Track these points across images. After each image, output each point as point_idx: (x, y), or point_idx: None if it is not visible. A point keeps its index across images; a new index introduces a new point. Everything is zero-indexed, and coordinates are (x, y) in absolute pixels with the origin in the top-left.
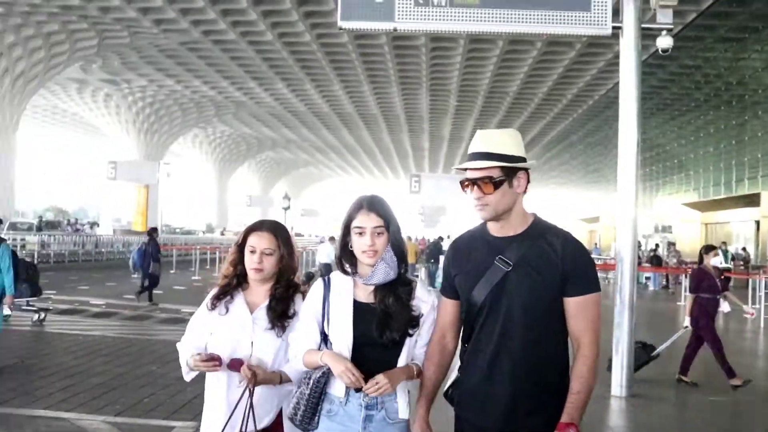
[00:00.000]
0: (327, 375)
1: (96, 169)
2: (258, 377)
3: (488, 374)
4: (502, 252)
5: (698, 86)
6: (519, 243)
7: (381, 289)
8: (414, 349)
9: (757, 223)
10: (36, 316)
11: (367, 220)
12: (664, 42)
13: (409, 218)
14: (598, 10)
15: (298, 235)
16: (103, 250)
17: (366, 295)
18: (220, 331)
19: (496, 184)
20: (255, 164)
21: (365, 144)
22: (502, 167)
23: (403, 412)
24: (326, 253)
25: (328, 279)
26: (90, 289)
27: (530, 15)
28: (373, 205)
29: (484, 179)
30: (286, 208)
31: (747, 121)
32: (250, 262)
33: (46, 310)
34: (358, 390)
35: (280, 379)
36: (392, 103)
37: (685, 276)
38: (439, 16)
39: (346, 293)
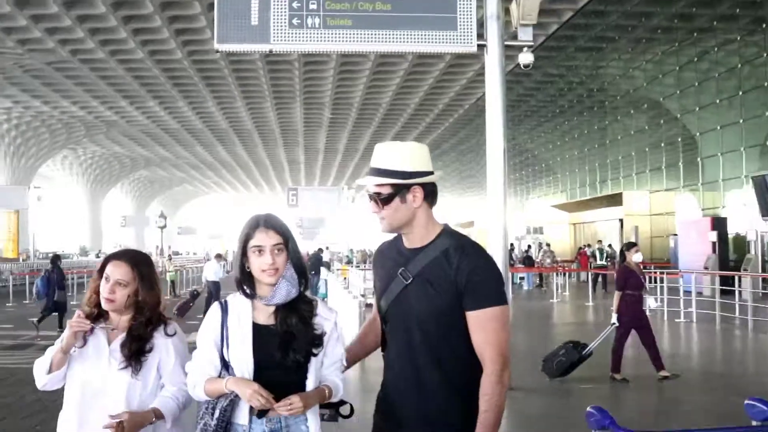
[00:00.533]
0: (233, 402)
1: None
2: (126, 428)
3: (395, 385)
4: (406, 264)
5: (562, 93)
6: (422, 255)
7: (282, 309)
8: (321, 370)
9: (621, 221)
10: None
11: (266, 238)
12: (526, 58)
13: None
14: (463, 29)
15: (175, 253)
16: None
17: (266, 317)
18: (74, 362)
19: (385, 200)
20: (128, 184)
21: (240, 159)
22: (392, 184)
23: None
24: (213, 271)
25: (225, 302)
26: None
27: (400, 35)
28: (270, 222)
29: (377, 195)
30: (162, 227)
31: (608, 126)
32: (102, 290)
33: None
34: (261, 415)
35: (153, 416)
36: (267, 117)
37: (556, 274)
38: (313, 37)
39: (244, 316)
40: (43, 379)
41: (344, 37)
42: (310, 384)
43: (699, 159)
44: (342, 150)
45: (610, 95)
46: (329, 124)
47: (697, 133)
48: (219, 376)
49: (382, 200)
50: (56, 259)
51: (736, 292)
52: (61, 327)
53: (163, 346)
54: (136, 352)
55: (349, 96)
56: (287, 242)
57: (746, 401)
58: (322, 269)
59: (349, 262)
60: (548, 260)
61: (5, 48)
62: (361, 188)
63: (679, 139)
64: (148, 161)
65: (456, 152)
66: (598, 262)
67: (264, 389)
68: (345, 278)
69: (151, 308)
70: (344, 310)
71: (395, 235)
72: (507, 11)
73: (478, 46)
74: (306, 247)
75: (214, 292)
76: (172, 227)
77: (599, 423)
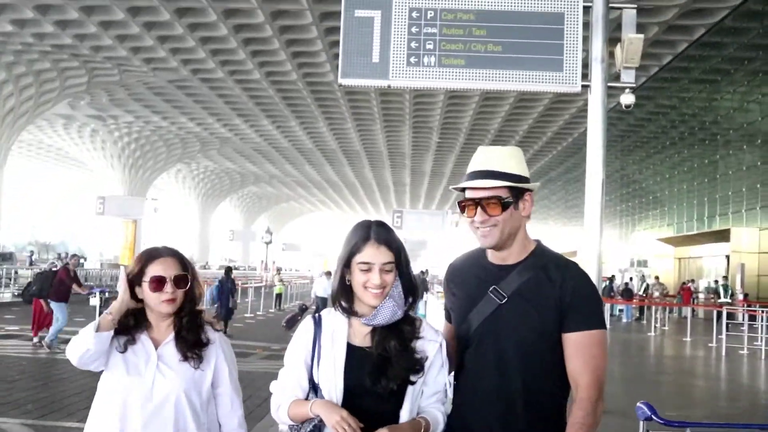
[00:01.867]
0: (318, 428)
1: (79, 203)
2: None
3: (482, 415)
4: (497, 282)
5: (674, 125)
6: (517, 273)
7: (381, 330)
8: (420, 401)
9: (727, 257)
10: None
11: (377, 255)
12: (627, 99)
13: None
14: (569, 70)
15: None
16: (91, 283)
17: (362, 338)
18: (113, 369)
19: (505, 205)
20: (237, 199)
21: (347, 179)
22: (509, 187)
23: None
24: (323, 287)
25: (319, 317)
26: (87, 320)
27: (509, 74)
28: (382, 235)
29: (492, 199)
30: (268, 243)
31: (719, 160)
32: (158, 296)
33: None
34: None
35: None
36: (375, 139)
37: (664, 309)
38: (429, 74)
39: (339, 335)
40: (87, 342)
41: (457, 75)
42: (405, 415)
43: None
44: (448, 174)
45: (723, 128)
46: (436, 148)
47: None
48: (306, 399)
49: (502, 204)
50: (229, 270)
51: None
52: (226, 331)
53: (220, 339)
54: (193, 343)
55: (458, 122)
56: (399, 259)
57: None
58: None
59: None
60: (657, 293)
61: (132, 66)
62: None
63: None
64: (258, 177)
65: (562, 181)
66: (722, 299)
67: (352, 417)
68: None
69: (194, 303)
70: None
71: (472, 250)
72: (611, 54)
73: (582, 86)
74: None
75: (322, 307)
76: (277, 242)
77: (644, 414)
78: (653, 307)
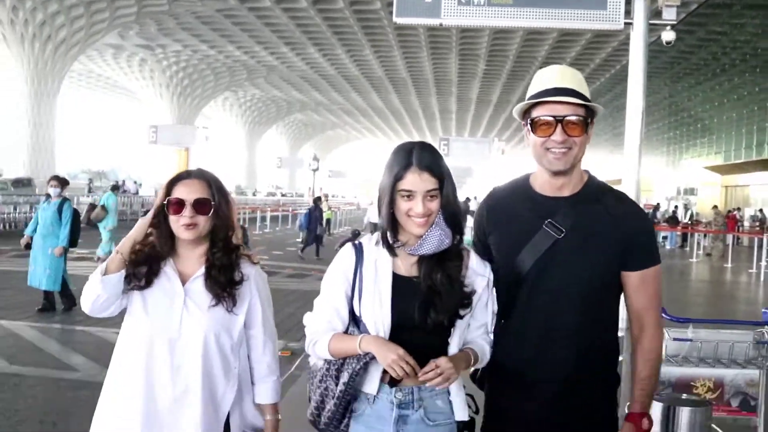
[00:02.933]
0: (366, 366)
1: (130, 131)
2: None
3: (534, 358)
4: (552, 215)
5: (725, 52)
6: (572, 205)
7: (428, 261)
8: (467, 333)
9: None
10: None
11: (419, 182)
12: (668, 36)
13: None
14: (612, 8)
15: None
16: (149, 210)
17: (408, 267)
18: (136, 312)
19: (585, 127)
20: (283, 126)
21: (393, 107)
22: (586, 107)
23: (461, 413)
24: (375, 213)
25: (360, 245)
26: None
27: (556, 13)
28: (425, 161)
29: (575, 119)
30: (315, 170)
31: (764, 89)
32: (176, 219)
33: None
34: (394, 384)
35: None
36: (422, 67)
37: (704, 236)
38: (478, 13)
39: (383, 264)
40: (96, 288)
41: (506, 14)
42: (453, 349)
43: None
44: (494, 102)
45: None
46: (483, 75)
47: None
48: (346, 333)
49: (579, 126)
50: (318, 200)
51: None
52: (318, 255)
53: (255, 275)
54: (226, 283)
55: (505, 50)
56: (443, 185)
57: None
58: (468, 218)
59: None
60: (720, 221)
61: None
62: (515, 130)
63: None
64: (304, 105)
65: (609, 108)
66: None
67: (409, 356)
68: None
69: (228, 235)
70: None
71: (514, 179)
72: None
73: (625, 23)
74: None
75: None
76: (323, 170)
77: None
78: (696, 234)
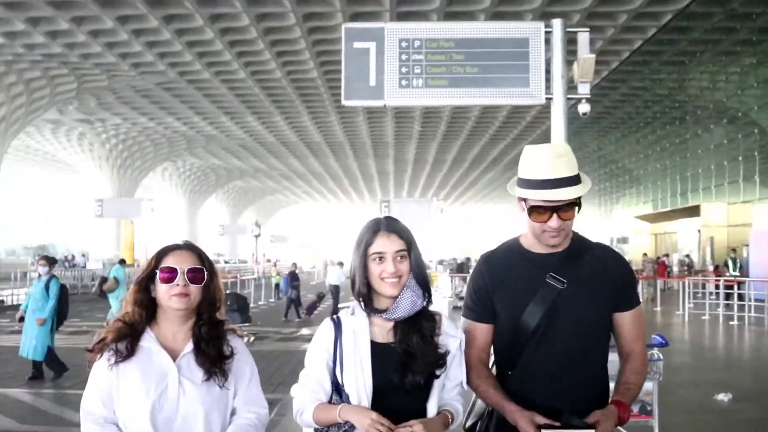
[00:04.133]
0: None
1: (70, 205)
2: None
3: (550, 402)
4: (550, 269)
5: (647, 106)
6: (567, 259)
7: (402, 326)
8: (443, 393)
9: (699, 232)
10: (246, 339)
11: (388, 244)
12: (584, 108)
13: None
14: (534, 86)
15: (267, 260)
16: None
17: (384, 334)
18: (127, 386)
19: (576, 207)
20: (223, 194)
21: (332, 170)
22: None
23: None
24: (336, 276)
25: (338, 318)
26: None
27: (485, 92)
28: (392, 225)
29: (571, 206)
30: (257, 236)
31: (689, 139)
32: (167, 288)
33: (254, 334)
34: None
35: None
36: (358, 131)
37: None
38: (417, 95)
39: (361, 333)
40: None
41: (441, 94)
42: (432, 408)
43: None
44: (431, 161)
45: (692, 108)
46: (419, 137)
47: None
48: (330, 402)
49: (572, 209)
50: (293, 266)
51: None
52: (299, 316)
53: (242, 349)
54: (215, 357)
55: (439, 110)
56: (410, 248)
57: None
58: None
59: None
60: (649, 267)
61: (120, 71)
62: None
63: (756, 153)
64: (243, 172)
65: None
66: (731, 272)
67: (383, 418)
68: (434, 283)
69: (214, 310)
70: (435, 308)
71: (506, 242)
72: (570, 63)
73: (546, 98)
74: None
75: (335, 294)
76: (265, 235)
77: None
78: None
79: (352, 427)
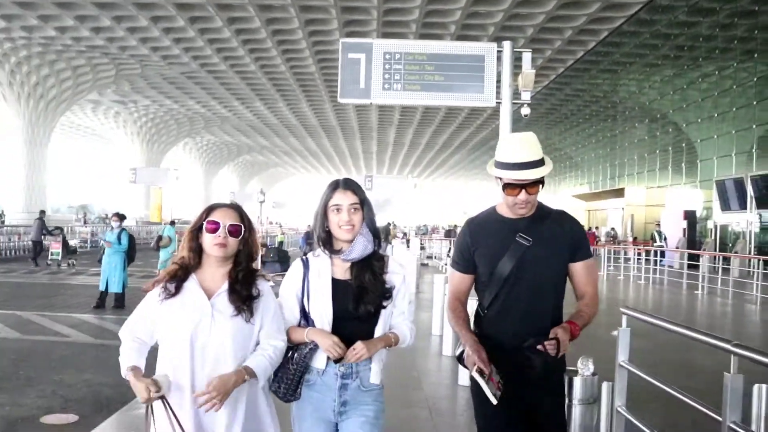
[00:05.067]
0: (312, 351)
1: (105, 172)
2: (221, 394)
3: (518, 331)
4: (520, 230)
5: (586, 105)
6: (534, 222)
7: (357, 266)
8: (390, 319)
9: (623, 209)
10: (271, 284)
11: (344, 198)
12: (525, 110)
13: None
14: (488, 92)
15: (271, 224)
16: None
17: (343, 272)
18: (171, 317)
19: (542, 185)
20: (234, 166)
21: (325, 149)
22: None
23: (375, 378)
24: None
25: (307, 259)
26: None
27: (449, 96)
28: (348, 184)
29: (536, 183)
30: (262, 202)
31: (618, 134)
32: (211, 238)
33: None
34: (337, 361)
35: (246, 375)
36: (348, 116)
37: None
38: (396, 96)
39: (324, 271)
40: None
41: (415, 96)
42: (379, 332)
43: (698, 161)
44: (407, 144)
45: (623, 108)
46: (398, 123)
47: (698, 140)
48: (299, 326)
49: (537, 185)
50: (308, 227)
51: (699, 266)
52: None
53: (268, 291)
54: (245, 298)
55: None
56: (362, 203)
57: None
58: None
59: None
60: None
61: (151, 61)
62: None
63: (669, 147)
64: (251, 148)
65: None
66: (658, 242)
67: (341, 342)
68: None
69: (250, 259)
70: (406, 263)
71: (485, 210)
72: (516, 76)
73: (497, 102)
74: (378, 222)
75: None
76: (268, 202)
77: None
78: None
79: (316, 345)
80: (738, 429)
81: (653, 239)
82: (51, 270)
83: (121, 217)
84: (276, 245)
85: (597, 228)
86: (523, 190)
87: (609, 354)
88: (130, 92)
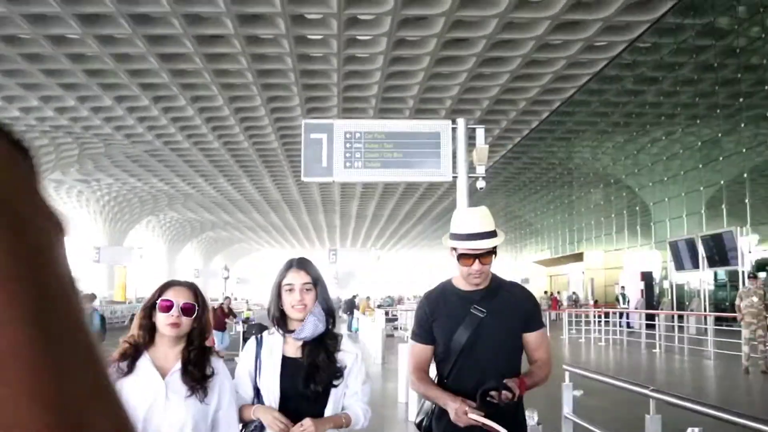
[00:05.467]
0: (259, 428)
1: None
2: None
3: (472, 400)
4: (474, 303)
5: (544, 172)
6: (486, 295)
7: (309, 344)
8: (343, 399)
9: (583, 273)
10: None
11: (297, 278)
12: (480, 183)
13: (327, 282)
14: (444, 167)
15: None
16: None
17: (294, 350)
18: (125, 397)
19: (493, 254)
20: (197, 242)
21: (288, 223)
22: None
23: None
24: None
25: (260, 337)
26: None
27: (408, 172)
28: (302, 264)
29: (488, 254)
30: (227, 278)
31: (575, 199)
32: (164, 317)
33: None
34: None
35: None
36: (311, 191)
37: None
38: (358, 173)
39: (276, 349)
40: None
41: (375, 173)
42: (328, 412)
43: (652, 223)
44: (370, 216)
45: (579, 174)
46: (360, 196)
47: (651, 203)
48: (252, 404)
49: (490, 256)
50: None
51: (656, 325)
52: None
53: (222, 369)
54: (201, 377)
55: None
56: (316, 283)
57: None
58: (355, 311)
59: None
60: (544, 302)
61: (115, 140)
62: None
63: (624, 211)
64: (214, 224)
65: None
66: (622, 305)
67: (282, 416)
68: (372, 316)
69: (203, 338)
70: (371, 335)
71: (440, 284)
72: (470, 152)
73: (453, 177)
74: (342, 294)
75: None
76: (232, 278)
77: None
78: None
79: (262, 424)
80: None
81: (617, 301)
82: None
83: (92, 298)
84: (243, 320)
85: (559, 293)
86: (477, 260)
87: (557, 409)
88: (93, 171)
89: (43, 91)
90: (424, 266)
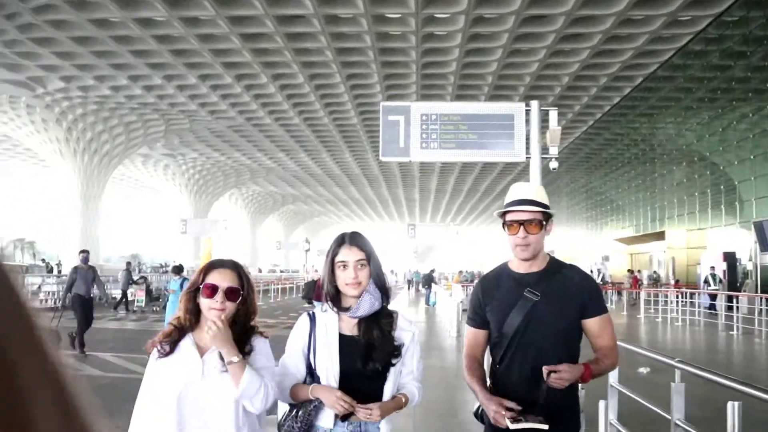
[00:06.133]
0: (317, 408)
1: (154, 222)
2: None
3: (528, 385)
4: (528, 285)
5: (627, 148)
6: (541, 278)
7: (365, 322)
8: (399, 378)
9: (665, 252)
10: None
11: (350, 254)
12: (553, 164)
13: (406, 256)
14: (518, 148)
15: (316, 271)
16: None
17: (350, 328)
18: (161, 376)
19: (541, 226)
20: (279, 215)
21: (368, 197)
22: (544, 213)
23: None
24: None
25: (313, 314)
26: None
27: (482, 152)
28: (354, 239)
29: (533, 221)
30: (307, 250)
31: (657, 177)
32: (208, 303)
33: None
34: (345, 419)
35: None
36: (391, 166)
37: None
38: (434, 154)
39: (331, 327)
40: None
41: (451, 153)
42: (388, 391)
43: (737, 202)
44: (449, 191)
45: (662, 152)
46: (439, 171)
47: (737, 181)
48: (304, 382)
49: (539, 225)
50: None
51: (734, 307)
52: None
53: (261, 348)
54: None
55: None
56: (369, 259)
57: None
58: (432, 284)
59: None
60: (626, 281)
61: (199, 116)
62: (488, 218)
63: (708, 189)
64: (295, 198)
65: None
66: (712, 286)
67: (346, 395)
68: (449, 290)
69: (247, 318)
70: (448, 309)
71: (495, 267)
72: (544, 134)
73: (526, 157)
74: (421, 269)
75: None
76: (313, 250)
77: None
78: (607, 291)
79: (321, 403)
80: (681, 425)
81: (707, 283)
82: (137, 316)
83: (179, 270)
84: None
85: (639, 271)
86: (522, 228)
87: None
88: (178, 146)
89: (131, 71)
90: (503, 242)
